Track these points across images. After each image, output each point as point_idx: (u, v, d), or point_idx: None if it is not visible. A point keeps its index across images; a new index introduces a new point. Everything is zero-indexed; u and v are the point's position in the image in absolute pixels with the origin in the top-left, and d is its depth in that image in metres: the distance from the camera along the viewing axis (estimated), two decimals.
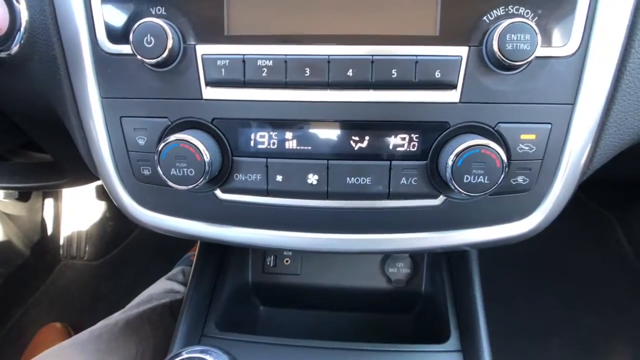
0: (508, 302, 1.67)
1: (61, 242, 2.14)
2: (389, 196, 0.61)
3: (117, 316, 1.05)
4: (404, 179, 0.60)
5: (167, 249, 1.80)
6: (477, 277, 0.93)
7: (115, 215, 2.11)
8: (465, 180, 0.55)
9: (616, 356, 1.62)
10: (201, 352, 0.56)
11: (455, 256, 1.00)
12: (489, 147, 0.54)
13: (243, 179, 0.62)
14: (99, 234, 2.13)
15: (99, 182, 0.75)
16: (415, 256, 1.08)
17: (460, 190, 0.56)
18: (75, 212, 2.17)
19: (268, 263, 1.12)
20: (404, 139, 0.59)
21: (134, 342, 0.97)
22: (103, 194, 2.09)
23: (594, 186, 1.78)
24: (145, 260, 2.04)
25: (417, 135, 0.59)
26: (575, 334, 1.64)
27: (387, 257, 1.09)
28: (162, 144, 0.57)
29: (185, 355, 0.56)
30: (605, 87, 0.58)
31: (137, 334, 0.99)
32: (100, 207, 2.15)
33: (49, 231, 2.14)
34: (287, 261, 1.11)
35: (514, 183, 0.60)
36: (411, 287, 1.08)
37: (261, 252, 1.11)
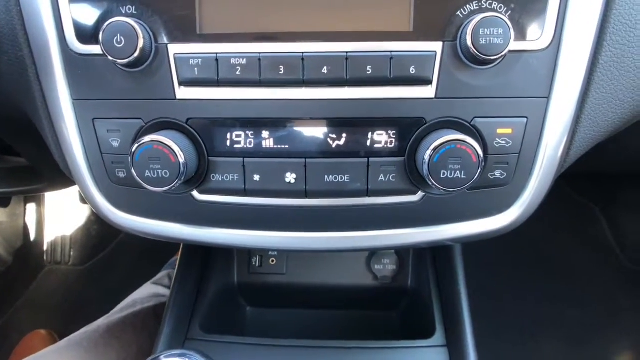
0: (495, 298, 1.68)
1: (45, 248, 2.11)
2: (368, 193, 0.61)
3: (99, 322, 1.03)
4: (382, 175, 0.60)
5: (154, 252, 1.77)
6: (461, 273, 0.93)
7: (100, 219, 2.07)
8: (442, 176, 0.55)
9: (604, 348, 1.64)
10: (179, 355, 0.55)
11: (440, 252, 1.00)
12: (464, 142, 0.54)
13: (220, 179, 0.61)
14: (84, 238, 2.10)
15: None
16: (401, 252, 1.09)
17: (438, 185, 0.56)
18: (59, 216, 2.13)
19: (254, 263, 1.11)
20: (380, 135, 0.59)
21: (115, 348, 0.95)
22: None
23: (579, 179, 1.81)
24: (132, 264, 2.01)
25: (393, 132, 0.59)
26: (563, 328, 1.66)
27: (373, 254, 1.09)
28: (136, 146, 0.56)
29: (163, 359, 0.55)
30: (579, 80, 0.58)
31: (119, 340, 0.98)
32: (84, 210, 2.12)
33: (32, 236, 2.10)
34: (272, 261, 1.11)
35: (491, 177, 0.60)
36: (397, 283, 1.08)
37: (246, 252, 1.10)
